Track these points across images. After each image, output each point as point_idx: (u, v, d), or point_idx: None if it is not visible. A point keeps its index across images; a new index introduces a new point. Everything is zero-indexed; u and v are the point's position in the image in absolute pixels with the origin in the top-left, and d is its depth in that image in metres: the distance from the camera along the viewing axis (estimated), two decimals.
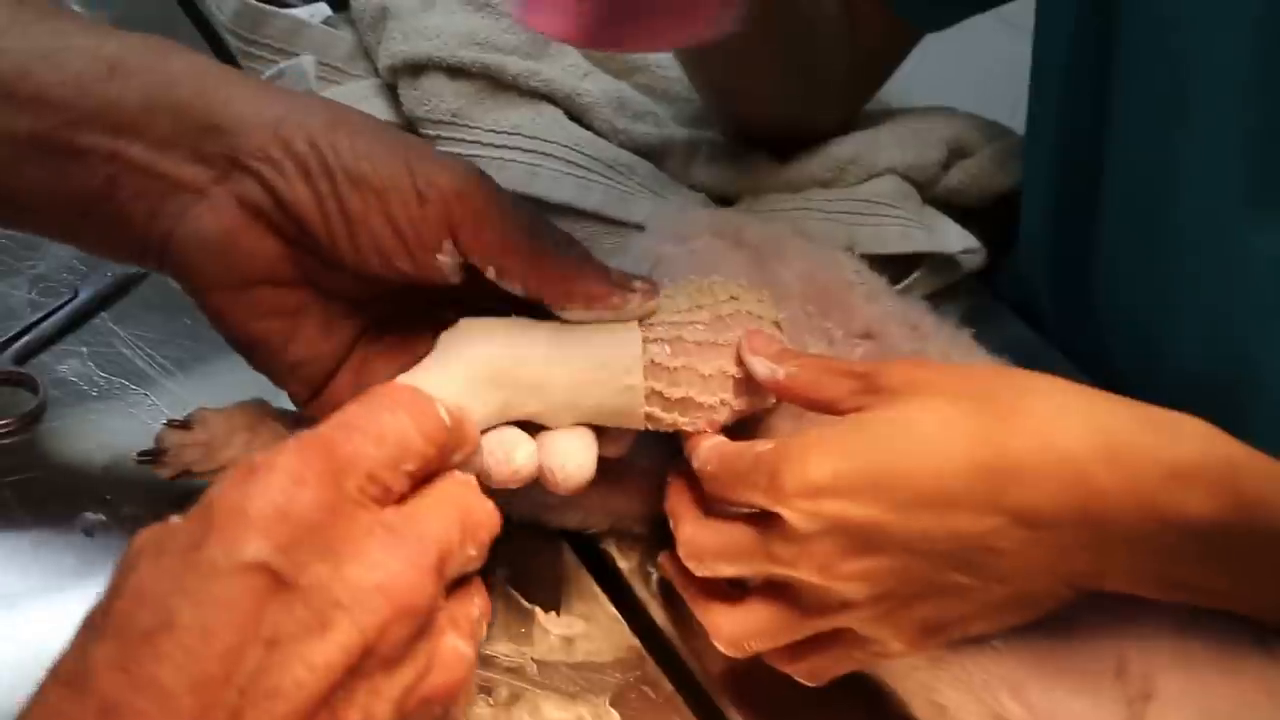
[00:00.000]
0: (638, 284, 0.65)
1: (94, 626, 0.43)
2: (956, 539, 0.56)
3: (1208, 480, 0.54)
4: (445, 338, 0.64)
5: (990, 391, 0.58)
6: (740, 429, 0.67)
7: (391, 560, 0.46)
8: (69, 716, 0.41)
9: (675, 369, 0.64)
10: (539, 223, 0.64)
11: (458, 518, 0.50)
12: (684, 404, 0.64)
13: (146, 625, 0.42)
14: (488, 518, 0.52)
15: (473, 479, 0.53)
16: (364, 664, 0.45)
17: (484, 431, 0.63)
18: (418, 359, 0.65)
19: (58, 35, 0.62)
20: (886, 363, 0.62)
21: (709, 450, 0.63)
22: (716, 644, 0.64)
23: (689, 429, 0.65)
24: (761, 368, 0.64)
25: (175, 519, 0.46)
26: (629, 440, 0.67)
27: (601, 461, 0.65)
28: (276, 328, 0.65)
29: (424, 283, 0.64)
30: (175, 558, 0.43)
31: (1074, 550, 0.56)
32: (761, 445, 0.60)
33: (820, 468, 0.57)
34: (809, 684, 0.65)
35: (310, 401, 0.67)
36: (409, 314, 0.68)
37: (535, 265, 0.63)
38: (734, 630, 0.63)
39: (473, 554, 0.52)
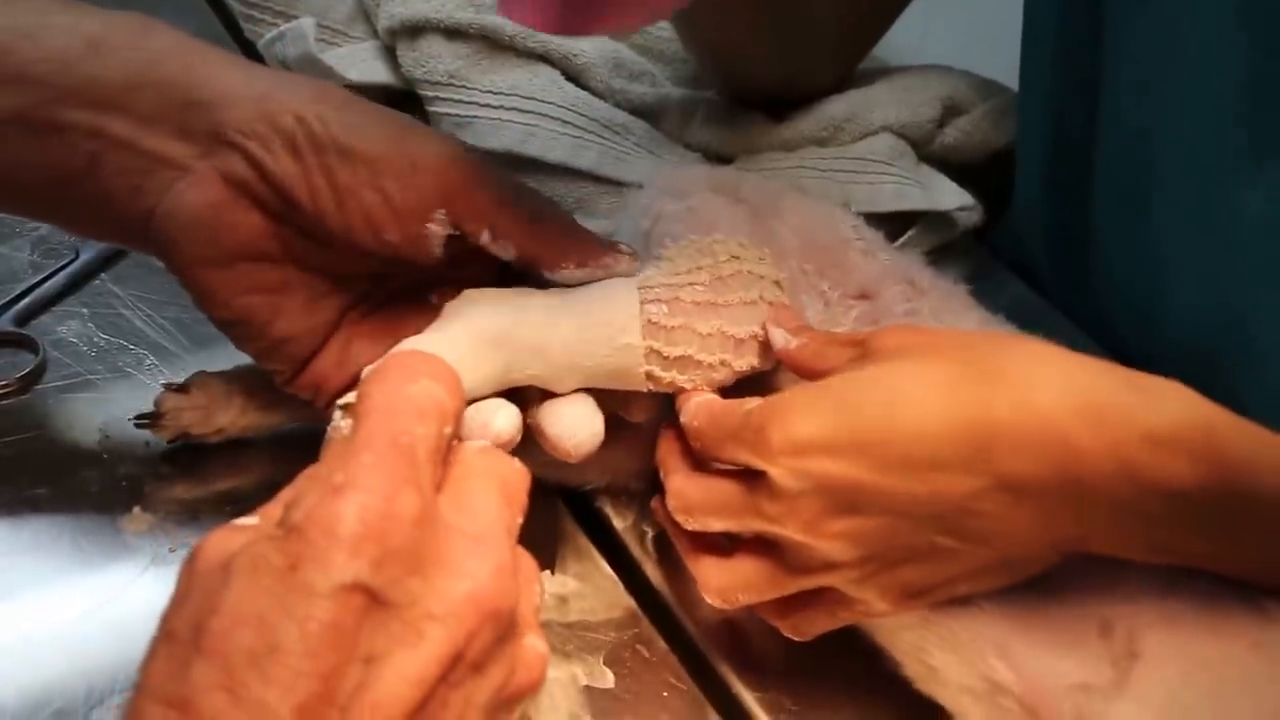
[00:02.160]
0: (624, 246, 0.66)
1: (186, 641, 0.43)
2: (939, 500, 0.57)
3: (1187, 445, 0.54)
4: (449, 306, 0.65)
5: (975, 354, 0.58)
6: (742, 391, 0.67)
7: (478, 566, 0.46)
8: None
9: (673, 328, 0.64)
10: (526, 189, 0.65)
11: (501, 490, 0.51)
12: (682, 362, 0.65)
13: (250, 647, 0.42)
14: (520, 478, 0.53)
15: (487, 444, 0.54)
16: (455, 672, 0.45)
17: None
18: (401, 340, 0.65)
19: (38, 12, 0.62)
20: (881, 329, 0.63)
21: (697, 406, 0.64)
22: (705, 595, 0.65)
23: (688, 388, 0.66)
24: (779, 338, 0.65)
25: (241, 521, 0.47)
26: (651, 405, 0.68)
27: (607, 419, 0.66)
28: (260, 304, 0.65)
29: (409, 256, 0.64)
30: (272, 579, 0.43)
31: (1057, 514, 0.57)
32: (750, 403, 0.60)
33: (805, 426, 0.57)
34: (794, 638, 0.65)
35: (292, 381, 0.67)
36: (393, 295, 0.68)
37: (529, 227, 0.64)
38: (722, 582, 0.64)
39: (520, 521, 0.52)
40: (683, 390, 0.65)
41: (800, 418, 0.58)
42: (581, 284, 0.65)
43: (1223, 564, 0.59)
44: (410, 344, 0.64)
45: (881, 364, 0.59)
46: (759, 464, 0.59)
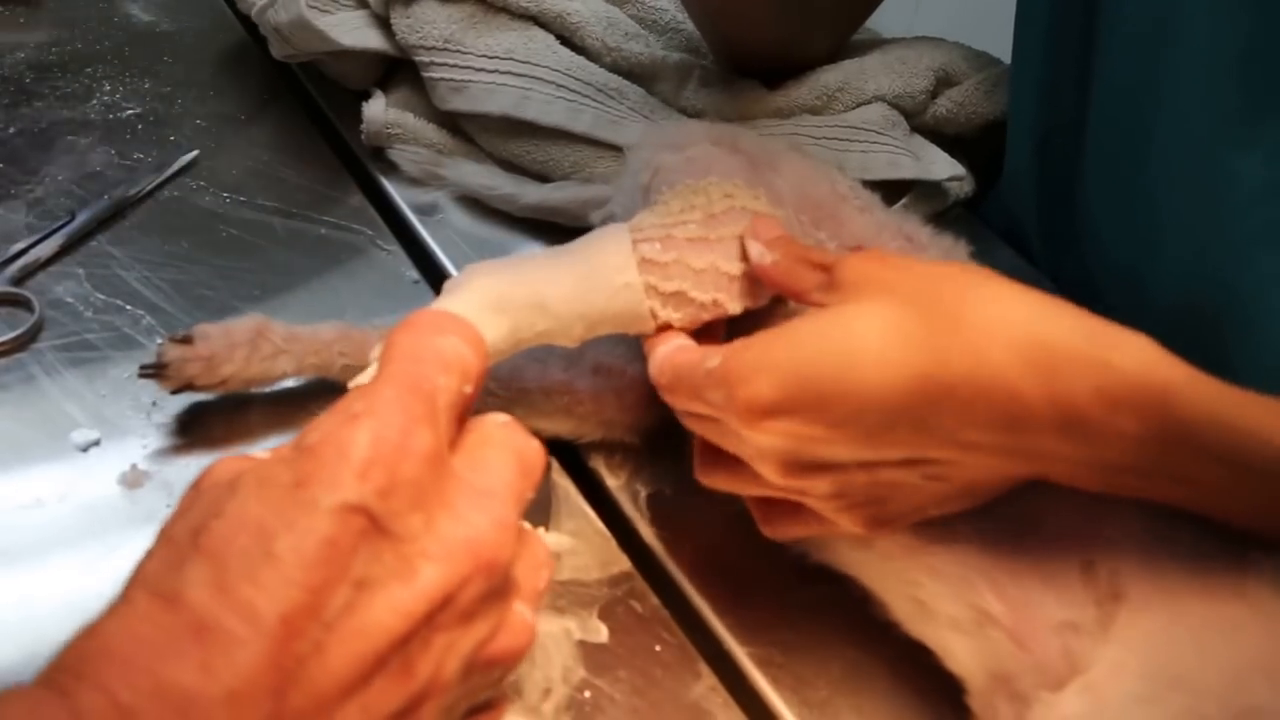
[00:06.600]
0: None
1: (185, 542, 0.44)
2: (895, 452, 0.57)
3: (1136, 402, 0.54)
4: (449, 282, 0.65)
5: (934, 296, 0.58)
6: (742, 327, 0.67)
7: (480, 517, 0.47)
8: (161, 626, 0.42)
9: (667, 263, 0.64)
10: None
11: (517, 464, 0.51)
12: (678, 299, 0.65)
13: (246, 551, 0.42)
14: (537, 456, 0.53)
15: (512, 419, 0.54)
16: (443, 615, 0.46)
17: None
18: None
19: None
20: (846, 257, 0.62)
21: (663, 360, 0.64)
22: (696, 473, 0.66)
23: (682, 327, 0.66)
24: (754, 250, 0.65)
25: (259, 453, 0.47)
26: None
27: (597, 369, 0.66)
28: None
29: None
30: (278, 491, 0.44)
31: (1011, 461, 0.57)
32: (710, 360, 0.60)
33: (766, 390, 0.57)
34: (769, 536, 0.66)
35: None
36: None
37: None
38: (708, 465, 0.65)
39: (530, 495, 0.52)
40: (668, 328, 0.66)
41: (760, 381, 0.57)
42: None
43: (1186, 505, 0.59)
44: None
45: (841, 308, 0.59)
46: (727, 421, 0.59)
